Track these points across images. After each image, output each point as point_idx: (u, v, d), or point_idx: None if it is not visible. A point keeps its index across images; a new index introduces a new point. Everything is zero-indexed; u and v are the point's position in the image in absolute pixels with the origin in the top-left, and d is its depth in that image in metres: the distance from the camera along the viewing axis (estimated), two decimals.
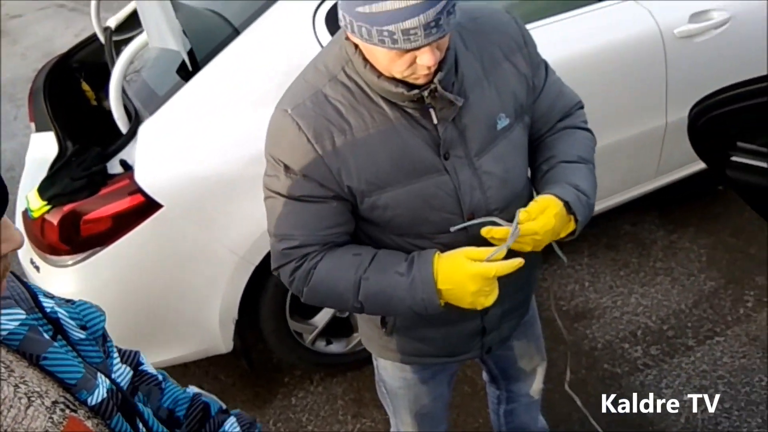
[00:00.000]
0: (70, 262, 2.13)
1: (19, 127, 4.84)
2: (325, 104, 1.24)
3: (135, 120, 2.21)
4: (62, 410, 0.81)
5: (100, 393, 0.86)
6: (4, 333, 0.81)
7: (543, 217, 1.29)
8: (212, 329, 2.33)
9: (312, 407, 2.60)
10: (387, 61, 1.16)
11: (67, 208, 2.07)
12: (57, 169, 2.12)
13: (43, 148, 2.54)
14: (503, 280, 1.28)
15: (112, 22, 2.93)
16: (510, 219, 1.31)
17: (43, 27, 6.70)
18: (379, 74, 1.20)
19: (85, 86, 3.01)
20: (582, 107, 1.51)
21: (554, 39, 2.39)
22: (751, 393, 2.34)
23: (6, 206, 0.70)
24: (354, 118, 1.24)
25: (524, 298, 1.60)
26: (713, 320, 2.62)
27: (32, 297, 0.88)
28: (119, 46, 2.56)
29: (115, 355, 1.02)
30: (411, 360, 1.59)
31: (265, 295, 2.34)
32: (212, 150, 2.13)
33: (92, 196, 2.08)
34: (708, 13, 2.52)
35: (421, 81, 1.20)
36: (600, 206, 2.82)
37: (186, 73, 2.22)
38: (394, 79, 1.20)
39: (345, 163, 1.25)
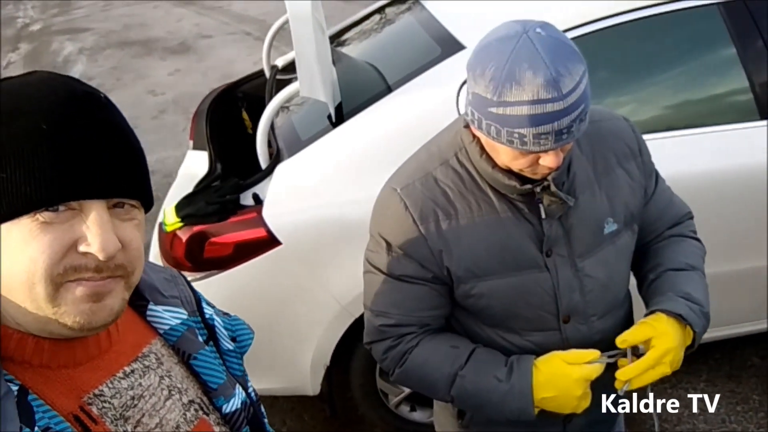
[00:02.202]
0: (189, 278, 2.26)
1: (186, 139, 5.25)
2: (435, 187, 1.26)
3: (275, 158, 2.35)
4: (196, 411, 0.87)
5: (235, 403, 0.92)
6: (165, 327, 0.90)
7: (658, 348, 1.24)
8: (303, 370, 2.39)
9: None
10: (509, 158, 1.17)
11: (197, 228, 2.21)
12: (195, 191, 2.27)
13: (195, 165, 2.73)
14: (593, 387, 1.26)
15: (280, 61, 3.14)
16: (608, 326, 1.32)
17: (228, 50, 7.27)
18: (494, 165, 1.21)
19: (245, 115, 3.24)
20: (692, 217, 1.47)
21: (707, 149, 2.31)
22: None
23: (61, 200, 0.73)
24: (461, 204, 1.25)
25: (610, 412, 1.52)
26: None
27: (196, 301, 0.97)
28: (281, 85, 2.73)
29: (248, 375, 1.06)
30: None
31: (359, 348, 2.37)
32: (339, 200, 2.20)
33: (221, 222, 2.22)
34: None
35: (537, 177, 1.20)
36: (728, 332, 2.64)
37: (333, 122, 2.34)
38: (508, 171, 1.21)
39: (447, 247, 1.25)
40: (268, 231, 2.18)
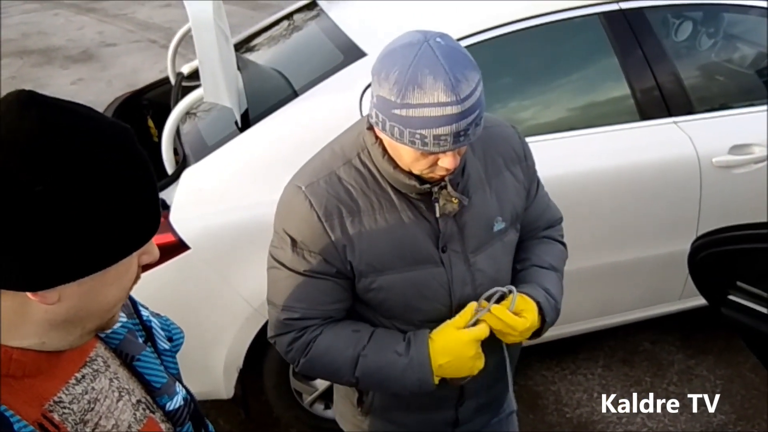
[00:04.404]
0: None
1: None
2: (338, 185, 1.31)
3: (182, 164, 2.36)
4: (144, 410, 0.91)
5: (178, 400, 0.95)
6: (107, 331, 0.91)
7: (522, 319, 1.35)
8: (216, 374, 2.40)
9: None
10: (410, 159, 1.23)
11: None
12: None
13: None
14: (484, 374, 1.37)
15: (186, 68, 3.13)
16: None
17: (133, 59, 7.11)
18: (395, 166, 1.28)
19: (150, 123, 3.21)
20: (562, 222, 1.62)
21: (593, 149, 2.47)
22: None
23: (156, 230, 0.83)
24: (363, 202, 1.32)
25: (499, 395, 1.62)
26: None
27: (132, 304, 0.99)
28: (187, 92, 2.73)
29: None
30: None
31: (271, 349, 2.40)
32: (246, 204, 2.23)
33: None
34: (749, 147, 2.54)
35: (435, 178, 1.28)
36: (619, 319, 2.82)
37: (239, 127, 2.36)
38: (408, 172, 1.28)
39: (350, 243, 1.31)
40: (176, 236, 2.19)
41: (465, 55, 1.17)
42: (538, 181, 1.53)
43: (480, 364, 1.35)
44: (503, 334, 1.36)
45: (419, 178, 1.28)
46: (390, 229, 1.32)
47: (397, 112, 1.15)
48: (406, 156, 1.23)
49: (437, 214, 1.32)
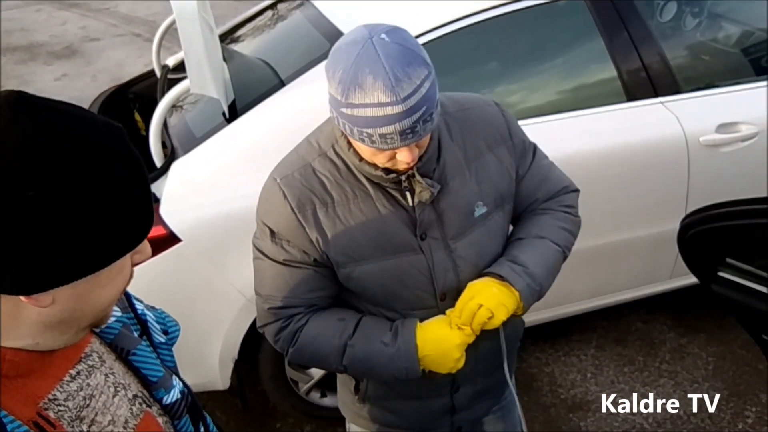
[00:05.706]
0: None
1: None
2: (312, 177, 1.32)
3: (170, 156, 2.35)
4: (140, 404, 0.91)
5: (174, 393, 0.95)
6: (102, 326, 0.92)
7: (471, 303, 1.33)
8: (211, 365, 2.41)
9: None
10: (368, 153, 1.24)
11: None
12: None
13: None
14: (479, 359, 1.38)
15: (171, 61, 3.11)
16: None
17: (117, 53, 7.06)
18: (361, 158, 1.28)
19: (137, 117, 3.19)
20: (572, 191, 1.55)
21: (580, 132, 2.47)
22: None
23: (150, 230, 0.82)
24: (337, 193, 1.32)
25: (498, 382, 1.62)
26: (710, 431, 2.57)
27: (126, 298, 0.99)
28: (173, 85, 2.72)
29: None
30: (381, 430, 1.63)
31: (266, 339, 2.39)
32: (237, 194, 2.22)
33: None
34: (736, 126, 2.55)
35: (399, 170, 1.27)
36: (611, 300, 2.84)
37: (227, 118, 2.36)
38: (374, 164, 1.27)
39: (323, 234, 1.32)
40: (167, 228, 2.19)
41: (411, 51, 1.14)
42: (534, 152, 1.48)
43: (460, 365, 1.36)
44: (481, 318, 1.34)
45: (386, 168, 1.27)
46: (365, 219, 1.32)
47: (344, 110, 1.15)
48: (365, 150, 1.24)
49: (410, 203, 1.32)
